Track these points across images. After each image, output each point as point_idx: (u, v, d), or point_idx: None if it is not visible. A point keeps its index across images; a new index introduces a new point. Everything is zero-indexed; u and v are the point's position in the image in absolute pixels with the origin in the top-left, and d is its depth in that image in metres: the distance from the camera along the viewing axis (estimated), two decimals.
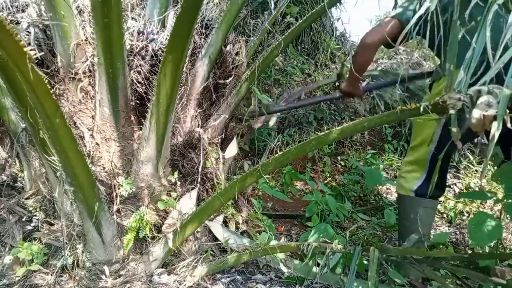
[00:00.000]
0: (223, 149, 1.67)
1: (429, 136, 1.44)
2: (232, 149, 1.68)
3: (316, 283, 1.42)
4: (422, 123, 1.48)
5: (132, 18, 1.48)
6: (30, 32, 1.22)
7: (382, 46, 1.56)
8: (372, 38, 1.47)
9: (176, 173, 1.43)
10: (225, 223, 1.65)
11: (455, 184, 2.57)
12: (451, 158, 1.55)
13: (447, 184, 1.70)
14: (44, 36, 1.28)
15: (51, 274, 1.29)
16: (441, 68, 1.39)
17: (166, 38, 1.39)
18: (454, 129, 0.74)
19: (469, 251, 1.83)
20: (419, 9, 0.89)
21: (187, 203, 1.40)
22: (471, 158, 2.68)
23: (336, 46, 3.58)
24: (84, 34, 1.23)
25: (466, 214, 2.27)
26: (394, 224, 2.01)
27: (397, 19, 1.42)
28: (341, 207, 2.06)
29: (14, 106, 1.31)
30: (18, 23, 1.23)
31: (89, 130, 1.29)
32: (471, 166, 2.67)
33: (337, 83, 2.15)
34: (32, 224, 1.44)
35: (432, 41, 1.05)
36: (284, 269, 1.45)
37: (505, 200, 1.05)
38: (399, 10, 1.44)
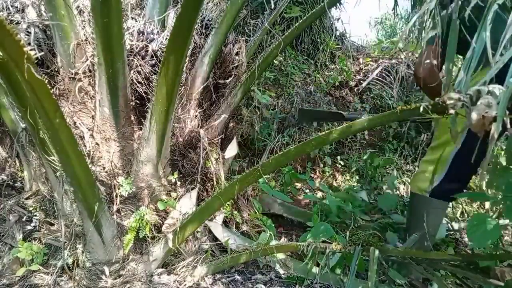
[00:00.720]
0: (223, 149, 1.67)
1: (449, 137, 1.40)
2: (232, 149, 1.68)
3: (316, 283, 1.42)
4: (446, 122, 1.41)
5: (132, 18, 1.48)
6: (30, 32, 1.23)
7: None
8: (422, 73, 1.37)
9: (176, 173, 1.43)
10: (225, 223, 1.65)
11: None
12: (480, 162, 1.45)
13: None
14: (44, 36, 1.28)
15: (51, 274, 1.29)
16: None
17: (166, 38, 1.39)
18: (453, 130, 0.74)
19: (469, 251, 1.83)
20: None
21: (187, 203, 1.40)
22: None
23: (336, 46, 3.57)
24: (84, 34, 1.24)
25: (466, 214, 2.27)
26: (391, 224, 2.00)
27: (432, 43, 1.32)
28: (341, 207, 2.06)
29: (14, 106, 1.31)
30: (18, 23, 1.23)
31: (89, 130, 1.29)
32: None
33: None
34: (32, 224, 1.44)
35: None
36: (281, 271, 1.45)
37: (505, 202, 1.04)
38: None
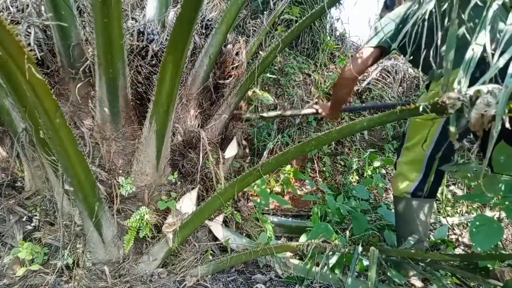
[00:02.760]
0: (223, 149, 1.67)
1: (423, 136, 1.42)
2: (232, 149, 1.68)
3: (316, 282, 1.42)
4: (419, 122, 1.47)
5: (132, 18, 1.48)
6: (30, 32, 1.23)
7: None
8: (354, 71, 1.51)
9: (176, 173, 1.43)
10: (225, 223, 1.65)
11: (455, 184, 2.58)
12: (451, 159, 1.52)
13: (447, 183, 1.68)
14: (44, 36, 1.28)
15: (51, 274, 1.29)
16: (434, 70, 1.39)
17: (166, 38, 1.39)
18: (452, 129, 0.74)
19: (469, 251, 1.83)
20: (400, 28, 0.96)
21: (187, 203, 1.41)
22: (472, 157, 2.67)
23: (336, 46, 3.58)
24: (84, 34, 1.24)
25: (466, 214, 2.27)
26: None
27: (379, 46, 1.47)
28: (341, 207, 2.06)
29: (14, 106, 1.31)
30: (18, 23, 1.23)
31: (89, 130, 1.29)
32: None
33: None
34: (32, 224, 1.44)
35: (413, 53, 1.08)
36: (279, 272, 1.45)
37: (506, 202, 1.04)
38: (376, 39, 1.48)
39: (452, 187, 2.55)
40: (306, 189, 2.56)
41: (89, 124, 1.30)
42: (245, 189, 1.79)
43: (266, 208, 2.19)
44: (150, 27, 1.40)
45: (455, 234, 2.05)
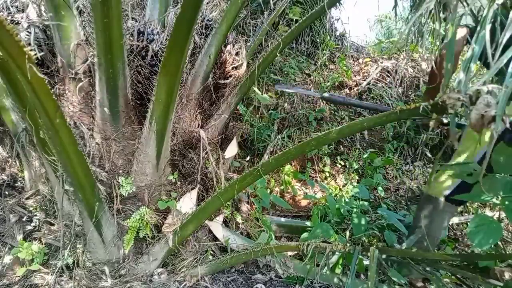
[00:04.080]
0: (223, 149, 1.67)
1: (475, 142, 1.38)
2: (232, 149, 1.68)
3: (316, 282, 1.42)
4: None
5: (132, 18, 1.48)
6: (30, 32, 1.23)
7: None
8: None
9: (176, 173, 1.43)
10: (225, 223, 1.65)
11: None
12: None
13: None
14: (44, 36, 1.28)
15: (51, 274, 1.29)
16: None
17: (166, 38, 1.40)
18: (452, 130, 0.74)
19: (469, 251, 1.83)
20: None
21: (187, 203, 1.41)
22: None
23: (336, 46, 3.58)
24: (84, 34, 1.24)
25: (466, 214, 2.27)
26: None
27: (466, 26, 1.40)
28: (341, 206, 2.06)
29: (15, 107, 1.32)
30: (18, 23, 1.23)
31: (89, 130, 1.29)
32: None
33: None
34: (32, 224, 1.44)
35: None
36: (280, 271, 1.45)
37: (506, 202, 1.04)
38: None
39: None
40: (306, 189, 2.56)
41: (89, 124, 1.30)
42: (244, 190, 1.79)
43: (267, 209, 2.19)
44: (150, 27, 1.40)
45: (455, 234, 2.05)
